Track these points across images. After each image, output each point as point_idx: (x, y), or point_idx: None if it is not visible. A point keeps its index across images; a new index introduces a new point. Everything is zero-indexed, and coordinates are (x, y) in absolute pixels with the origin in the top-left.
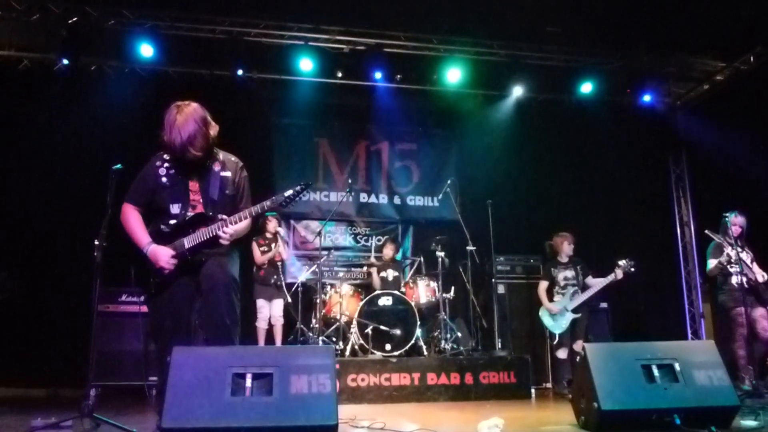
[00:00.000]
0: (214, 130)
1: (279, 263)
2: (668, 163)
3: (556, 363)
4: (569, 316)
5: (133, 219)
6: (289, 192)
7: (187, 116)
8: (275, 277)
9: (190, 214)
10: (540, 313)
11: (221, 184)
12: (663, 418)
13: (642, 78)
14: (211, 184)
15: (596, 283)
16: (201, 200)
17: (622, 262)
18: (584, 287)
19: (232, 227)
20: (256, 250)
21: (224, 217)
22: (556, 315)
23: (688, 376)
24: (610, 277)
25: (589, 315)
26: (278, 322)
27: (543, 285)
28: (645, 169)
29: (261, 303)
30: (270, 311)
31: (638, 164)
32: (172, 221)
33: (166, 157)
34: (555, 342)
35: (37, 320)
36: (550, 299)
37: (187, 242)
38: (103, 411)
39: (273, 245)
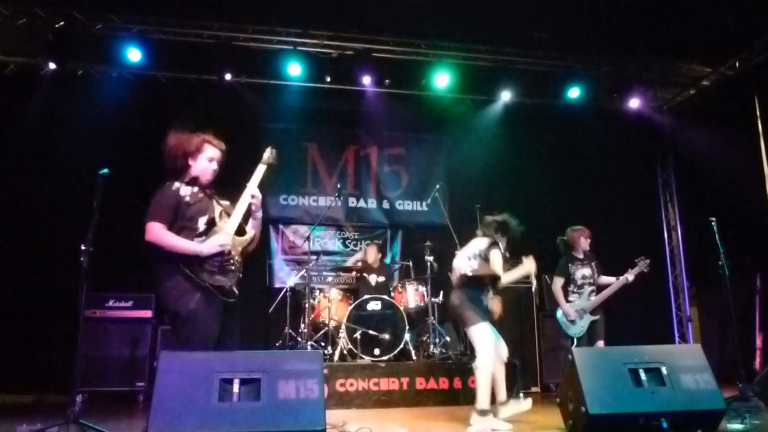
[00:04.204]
0: None
1: None
2: (655, 167)
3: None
4: (587, 318)
5: (170, 234)
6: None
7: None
8: None
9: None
10: (557, 316)
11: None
12: (650, 421)
13: (629, 83)
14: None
15: (612, 282)
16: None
17: (639, 261)
18: (599, 286)
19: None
20: None
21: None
22: (575, 318)
23: (675, 380)
24: (629, 276)
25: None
26: None
27: (559, 282)
28: (632, 173)
29: None
30: None
31: (625, 169)
32: (203, 239)
33: (184, 183)
34: (574, 345)
35: (23, 325)
36: (565, 298)
37: (230, 227)
38: (90, 417)
39: None
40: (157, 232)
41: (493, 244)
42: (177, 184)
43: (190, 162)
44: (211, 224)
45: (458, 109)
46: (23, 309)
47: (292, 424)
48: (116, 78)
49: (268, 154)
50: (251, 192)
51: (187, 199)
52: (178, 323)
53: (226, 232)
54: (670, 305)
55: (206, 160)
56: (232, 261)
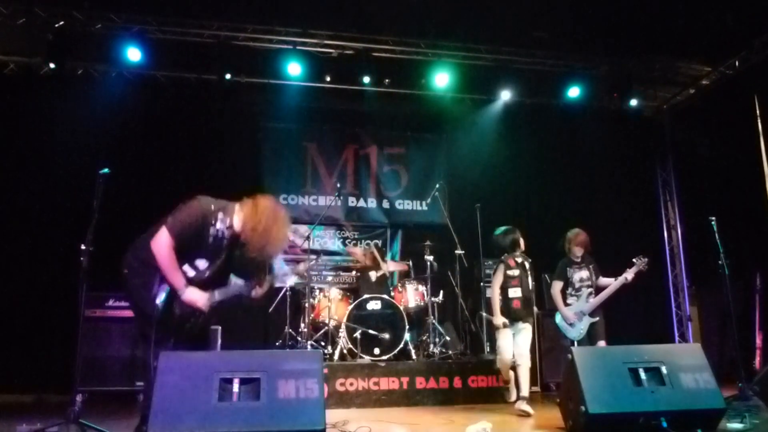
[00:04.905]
0: None
1: None
2: (655, 166)
3: None
4: (587, 321)
5: (173, 257)
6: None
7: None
8: None
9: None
10: (556, 319)
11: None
12: (650, 421)
13: (629, 82)
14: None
15: (611, 283)
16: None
17: (636, 260)
18: (597, 288)
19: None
20: None
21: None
22: (574, 321)
23: (675, 380)
24: (628, 275)
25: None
26: None
27: (557, 286)
28: (632, 172)
29: None
30: None
31: (625, 168)
32: (191, 272)
33: (222, 224)
34: (573, 347)
35: (23, 325)
36: (564, 302)
37: (220, 294)
38: (90, 417)
39: None
40: (166, 247)
41: (499, 262)
42: (220, 215)
43: (247, 229)
44: (214, 275)
45: (458, 109)
46: (23, 309)
47: (291, 424)
48: (116, 78)
49: (292, 281)
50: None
51: (211, 240)
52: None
53: (212, 295)
54: (669, 304)
55: (244, 234)
56: (197, 315)
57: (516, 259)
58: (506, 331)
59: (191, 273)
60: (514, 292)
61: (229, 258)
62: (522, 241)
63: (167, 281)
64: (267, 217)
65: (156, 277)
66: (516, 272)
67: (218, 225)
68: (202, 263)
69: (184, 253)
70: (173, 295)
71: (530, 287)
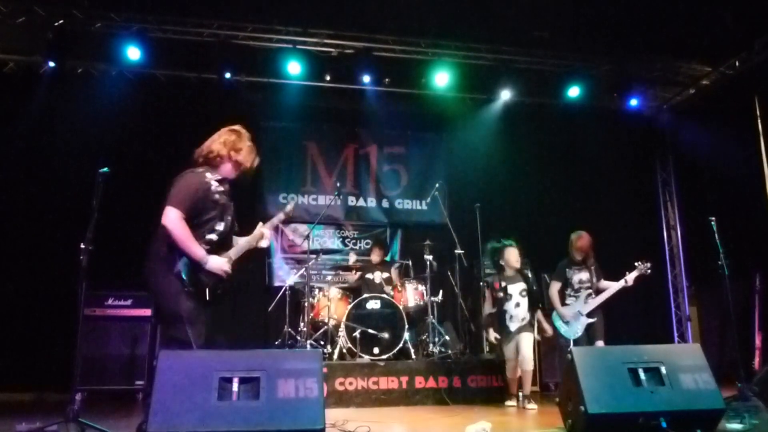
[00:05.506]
0: None
1: None
2: (655, 166)
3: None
4: (584, 321)
5: (186, 228)
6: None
7: (253, 145)
8: None
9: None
10: (553, 317)
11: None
12: (649, 421)
13: (629, 82)
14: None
15: (611, 286)
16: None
17: (638, 264)
18: (598, 290)
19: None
20: None
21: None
22: (570, 320)
23: (675, 380)
24: (628, 279)
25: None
26: None
27: (555, 286)
28: (632, 172)
29: None
30: None
31: (625, 168)
32: (214, 236)
33: (213, 175)
34: (571, 347)
35: (22, 324)
36: (562, 302)
37: (233, 254)
38: (89, 415)
39: None
40: (176, 220)
41: (485, 286)
42: (209, 175)
43: (232, 158)
44: (229, 231)
45: (458, 108)
46: (23, 307)
47: (291, 423)
48: (116, 76)
49: (290, 207)
50: (265, 232)
51: (216, 196)
52: (178, 323)
53: (229, 257)
54: (669, 305)
55: (237, 168)
56: (225, 280)
57: (501, 282)
58: (509, 347)
59: (215, 237)
60: (508, 307)
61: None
62: (512, 257)
63: (188, 255)
64: (241, 137)
65: (177, 255)
66: (500, 294)
67: (214, 184)
68: (220, 226)
69: (202, 222)
70: (197, 267)
71: (526, 301)
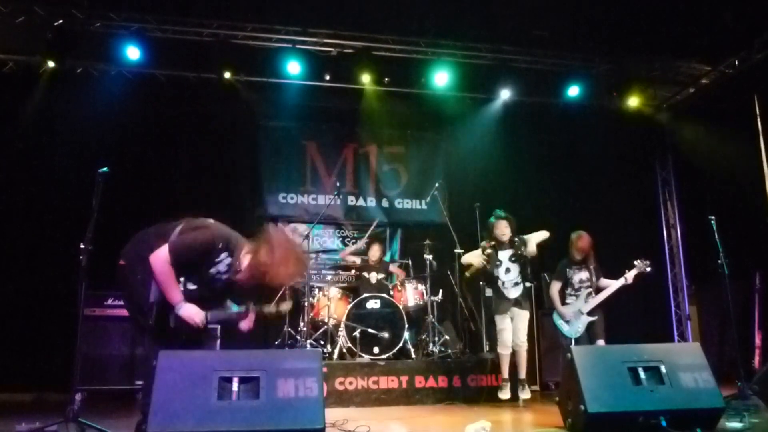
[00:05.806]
0: None
1: None
2: (655, 166)
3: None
4: (585, 320)
5: (171, 274)
6: None
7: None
8: None
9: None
10: (553, 317)
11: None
12: (649, 420)
13: (628, 81)
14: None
15: (611, 284)
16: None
17: (637, 262)
18: (598, 289)
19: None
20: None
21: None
22: (571, 319)
23: (674, 379)
24: (628, 277)
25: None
26: None
27: (556, 286)
28: (631, 171)
29: None
30: None
31: (625, 167)
32: (190, 287)
33: (223, 267)
34: (572, 346)
35: (22, 324)
36: (562, 301)
37: (211, 317)
38: (89, 415)
39: None
40: (164, 263)
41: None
42: (224, 255)
43: (263, 278)
44: (210, 297)
45: (458, 108)
46: (22, 308)
47: (291, 423)
48: (115, 76)
49: (286, 307)
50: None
51: (207, 275)
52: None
53: (206, 314)
54: (669, 304)
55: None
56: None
57: (491, 251)
58: (504, 318)
59: (189, 290)
60: (498, 273)
61: (227, 288)
62: (499, 230)
63: (165, 295)
64: (282, 250)
65: (152, 277)
66: (490, 261)
67: (220, 266)
68: (191, 285)
69: (180, 270)
70: (168, 306)
71: (517, 267)
